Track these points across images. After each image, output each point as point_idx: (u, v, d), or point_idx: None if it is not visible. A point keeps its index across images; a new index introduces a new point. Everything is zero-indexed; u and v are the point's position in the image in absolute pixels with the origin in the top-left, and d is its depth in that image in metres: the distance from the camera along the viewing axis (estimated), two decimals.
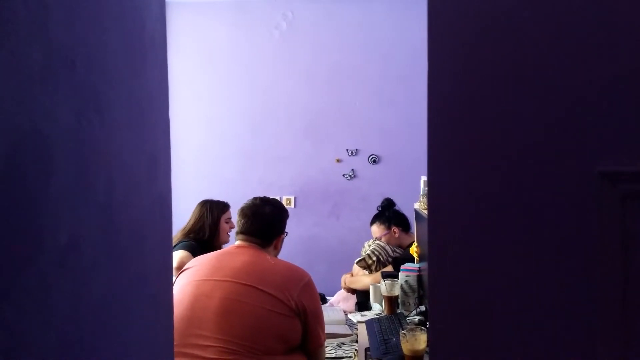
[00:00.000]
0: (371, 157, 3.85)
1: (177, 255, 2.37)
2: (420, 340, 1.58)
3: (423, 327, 1.65)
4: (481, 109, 0.72)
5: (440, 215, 0.74)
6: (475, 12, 0.72)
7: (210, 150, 3.90)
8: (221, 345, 1.51)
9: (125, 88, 0.79)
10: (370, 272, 2.67)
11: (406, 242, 2.75)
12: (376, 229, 2.82)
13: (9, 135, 0.51)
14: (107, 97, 0.73)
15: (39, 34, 0.56)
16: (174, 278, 1.77)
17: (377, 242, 2.76)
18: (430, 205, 0.75)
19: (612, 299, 0.70)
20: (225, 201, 2.70)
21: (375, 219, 2.85)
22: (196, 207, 2.66)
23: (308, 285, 1.66)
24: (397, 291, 2.18)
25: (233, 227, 2.57)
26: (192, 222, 2.60)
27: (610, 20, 0.70)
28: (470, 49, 0.72)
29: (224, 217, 2.63)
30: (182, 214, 2.45)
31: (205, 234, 2.56)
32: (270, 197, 1.94)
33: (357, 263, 2.72)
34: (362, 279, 2.68)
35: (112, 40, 0.74)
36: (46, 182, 0.57)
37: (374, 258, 2.66)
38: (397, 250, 2.73)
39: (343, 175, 3.87)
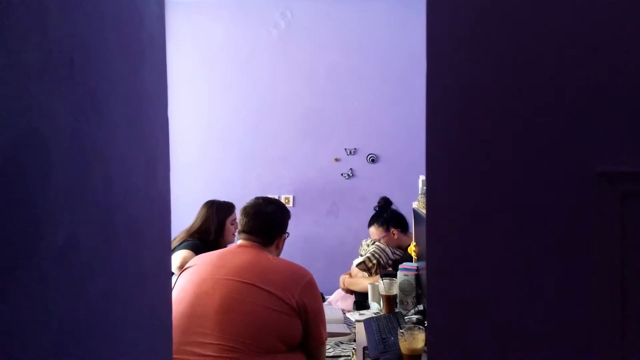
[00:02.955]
0: (369, 156, 3.85)
1: (180, 255, 2.36)
2: (418, 339, 1.59)
3: (421, 326, 1.65)
4: (480, 108, 0.72)
5: (438, 215, 0.74)
6: (474, 10, 0.72)
7: (208, 150, 3.90)
8: (222, 343, 1.51)
9: (123, 87, 0.79)
10: (370, 274, 2.65)
11: (405, 243, 2.73)
12: (374, 231, 2.78)
13: (7, 134, 0.51)
14: (106, 96, 0.73)
15: (37, 33, 0.56)
16: (176, 277, 1.77)
17: (377, 243, 2.73)
18: (429, 205, 0.75)
19: (611, 298, 0.70)
20: (231, 202, 2.68)
21: (373, 221, 2.80)
22: (201, 208, 2.64)
23: (309, 284, 1.66)
24: (395, 290, 2.18)
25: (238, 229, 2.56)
26: (198, 224, 2.58)
27: (611, 19, 0.70)
28: (469, 48, 0.72)
29: (229, 219, 2.62)
30: (180, 214, 2.44)
31: (210, 235, 2.55)
32: (270, 196, 1.94)
33: (357, 266, 2.69)
34: (361, 281, 2.67)
35: (110, 39, 0.74)
36: (44, 182, 0.57)
37: (374, 261, 2.63)
38: (397, 252, 2.71)
39: (341, 175, 3.87)
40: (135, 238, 0.84)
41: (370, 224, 2.81)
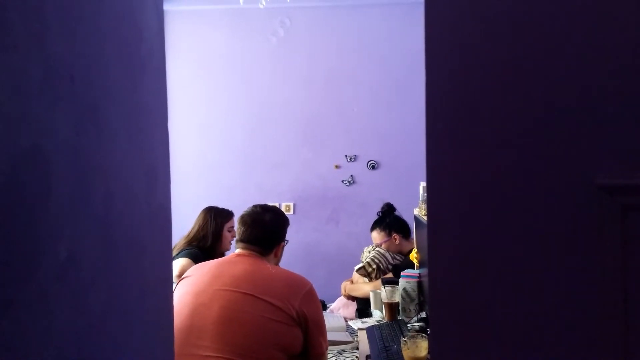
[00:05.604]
0: (370, 162, 3.86)
1: (179, 263, 2.36)
2: (421, 347, 1.58)
3: (424, 334, 1.65)
4: (480, 117, 0.72)
5: (439, 222, 0.74)
6: (473, 17, 0.72)
7: (208, 157, 3.90)
8: (221, 355, 1.50)
9: (123, 101, 0.79)
10: (371, 279, 2.65)
11: (406, 248, 2.74)
12: (376, 235, 2.80)
13: (9, 152, 0.51)
14: (106, 111, 0.73)
15: (37, 50, 0.57)
16: (175, 285, 1.77)
17: (377, 249, 2.74)
18: (429, 212, 0.75)
19: (612, 310, 0.69)
20: (229, 209, 2.69)
21: (375, 225, 2.82)
22: (200, 214, 2.65)
23: (309, 293, 1.65)
24: (397, 298, 2.17)
25: (235, 236, 2.56)
26: (195, 229, 2.59)
27: (610, 33, 0.70)
28: (467, 55, 0.72)
29: (227, 225, 2.62)
30: (180, 221, 2.43)
31: (207, 241, 2.56)
32: (270, 204, 1.93)
33: (357, 271, 2.70)
34: (362, 286, 2.67)
35: (110, 53, 0.75)
36: (45, 197, 0.57)
37: (374, 266, 2.64)
38: (397, 257, 2.71)
39: (342, 181, 3.87)
40: (136, 250, 0.84)
41: (372, 229, 2.84)
